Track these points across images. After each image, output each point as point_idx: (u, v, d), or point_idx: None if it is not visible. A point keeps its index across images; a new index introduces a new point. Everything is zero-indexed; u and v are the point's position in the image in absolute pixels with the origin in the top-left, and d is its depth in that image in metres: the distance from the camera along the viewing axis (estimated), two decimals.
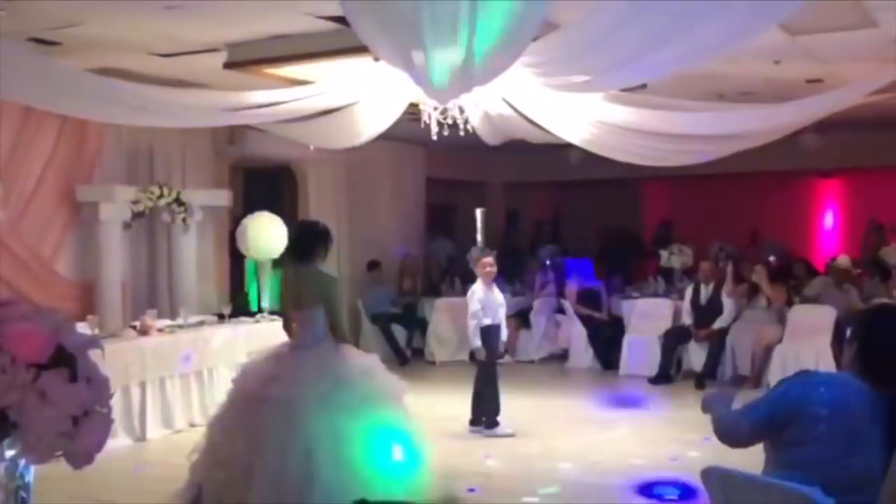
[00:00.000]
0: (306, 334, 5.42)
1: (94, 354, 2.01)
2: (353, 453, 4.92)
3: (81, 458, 1.92)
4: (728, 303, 10.30)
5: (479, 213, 16.92)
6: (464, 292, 12.31)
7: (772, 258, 12.00)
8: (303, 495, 4.75)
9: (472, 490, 5.78)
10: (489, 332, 7.79)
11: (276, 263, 9.28)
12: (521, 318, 11.93)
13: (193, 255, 9.66)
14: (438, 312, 12.27)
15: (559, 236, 15.96)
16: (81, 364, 1.91)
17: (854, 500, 2.84)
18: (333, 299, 5.44)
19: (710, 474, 3.12)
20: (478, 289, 7.85)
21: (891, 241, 12.31)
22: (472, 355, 8.07)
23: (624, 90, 7.01)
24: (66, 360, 1.88)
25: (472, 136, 8.07)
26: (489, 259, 7.91)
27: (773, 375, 9.16)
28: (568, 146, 8.48)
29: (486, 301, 7.81)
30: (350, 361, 5.42)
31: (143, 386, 7.66)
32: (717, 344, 10.18)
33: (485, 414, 7.82)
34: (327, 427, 4.98)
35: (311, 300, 5.41)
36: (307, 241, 5.61)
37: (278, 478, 4.84)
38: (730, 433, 3.17)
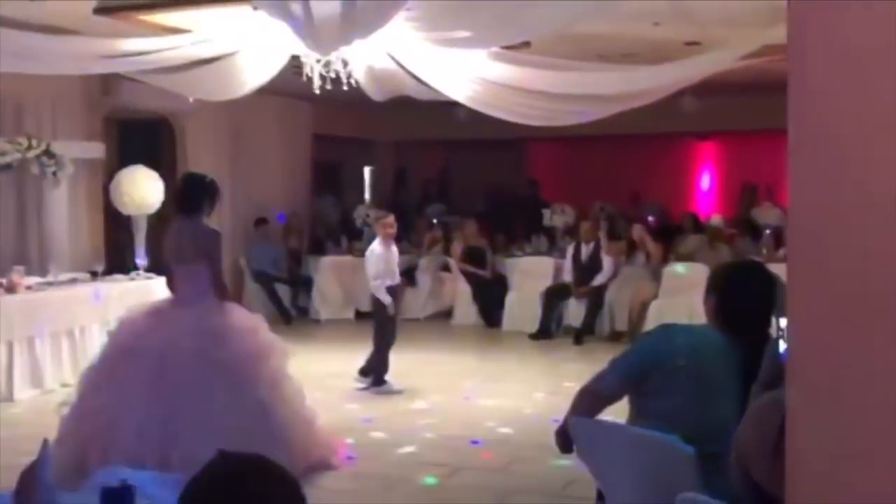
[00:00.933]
0: (187, 289, 5.31)
1: None
2: (221, 410, 4.85)
3: None
4: (607, 261, 10.55)
5: (367, 170, 16.80)
6: (350, 251, 12.34)
7: (651, 218, 12.33)
8: (165, 449, 4.67)
9: (350, 458, 5.78)
10: (391, 292, 7.84)
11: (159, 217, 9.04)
12: (407, 275, 11.94)
13: (64, 209, 9.26)
14: (323, 271, 12.18)
15: (447, 195, 16.00)
16: None
17: (712, 448, 2.93)
18: (216, 255, 5.34)
19: (576, 425, 3.19)
20: (377, 249, 7.82)
21: (763, 202, 12.79)
22: (372, 314, 8.08)
23: (507, 48, 7.01)
24: None
25: (360, 93, 7.96)
26: (391, 219, 7.94)
27: None
28: (456, 104, 8.45)
29: (387, 261, 7.82)
30: (230, 318, 5.33)
31: (10, 345, 7.38)
32: (595, 300, 10.43)
33: (375, 371, 7.82)
34: (198, 383, 4.89)
35: (193, 255, 5.29)
36: (193, 195, 5.47)
37: (142, 431, 4.74)
38: (597, 389, 3.22)
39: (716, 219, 11.30)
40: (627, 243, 10.84)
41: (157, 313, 5.30)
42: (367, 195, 16.27)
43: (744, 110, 12.83)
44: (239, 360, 5.08)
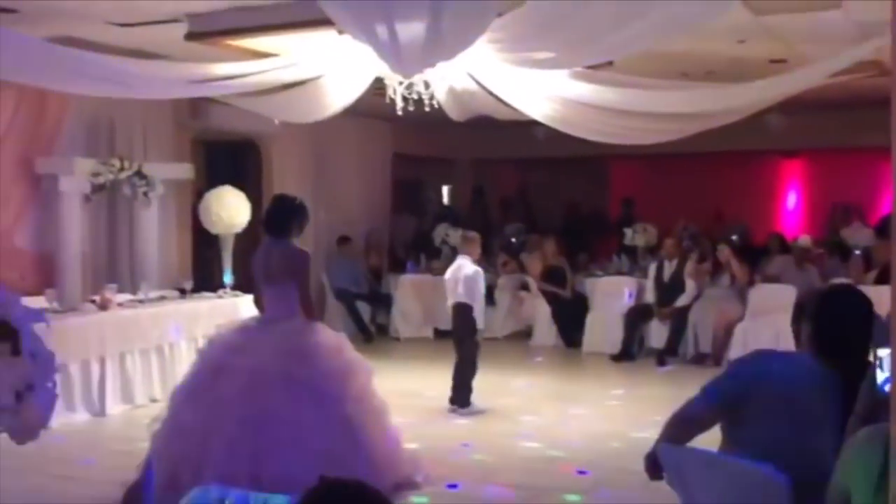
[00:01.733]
0: (276, 308, 5.41)
1: (39, 328, 1.97)
2: (308, 428, 4.92)
3: (25, 433, 1.89)
4: (690, 281, 10.38)
5: (445, 189, 16.89)
6: (428, 269, 12.40)
7: (734, 237, 12.10)
8: (256, 467, 4.74)
9: (453, 486, 5.76)
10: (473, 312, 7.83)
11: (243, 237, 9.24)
12: (485, 294, 11.93)
13: (155, 228, 9.54)
14: (403, 289, 12.25)
15: (527, 213, 15.95)
16: (25, 338, 1.87)
17: (806, 478, 2.86)
18: (304, 275, 5.43)
19: (666, 452, 3.14)
20: (476, 266, 7.83)
21: (852, 222, 12.43)
22: (460, 335, 7.96)
23: (589, 67, 6.99)
24: (8, 334, 1.84)
25: (439, 112, 8.03)
26: (479, 238, 8.02)
27: (734, 354, 9.23)
28: (535, 123, 8.45)
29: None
30: (317, 338, 5.41)
31: (102, 361, 7.60)
32: (678, 322, 10.26)
33: (464, 392, 7.81)
34: (286, 401, 4.97)
35: (282, 275, 5.39)
36: (283, 216, 5.59)
37: (234, 449, 4.82)
38: (689, 416, 3.17)
39: (804, 239, 11.03)
40: (712, 264, 10.64)
41: (246, 332, 5.40)
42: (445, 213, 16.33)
43: (831, 127, 12.53)
44: (325, 378, 5.15)
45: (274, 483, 4.34)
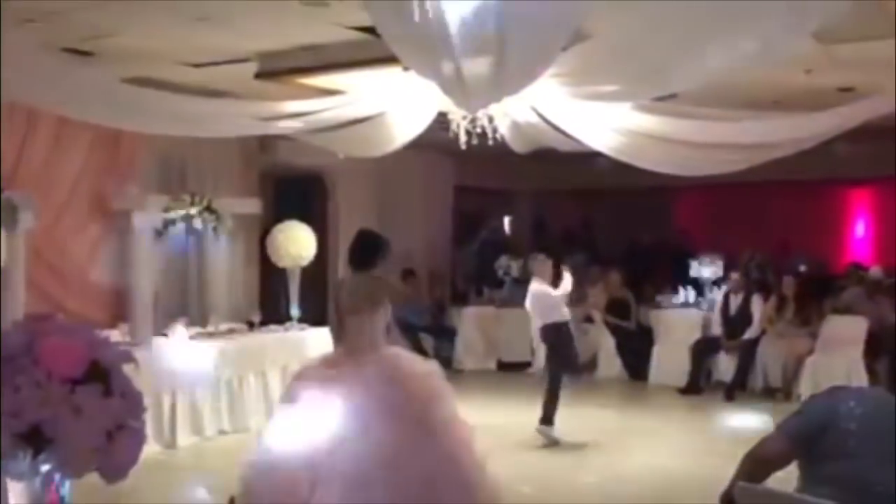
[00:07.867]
0: (363, 339, 5.47)
1: (127, 369, 2.04)
2: (410, 455, 4.96)
3: (115, 472, 1.94)
4: (757, 314, 10.20)
5: (506, 221, 16.90)
6: (490, 300, 12.41)
7: (802, 268, 11.87)
8: (369, 494, 4.79)
9: None
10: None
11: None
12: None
13: (224, 263, 9.71)
14: (466, 320, 12.27)
15: (590, 245, 15.85)
16: (115, 379, 1.94)
17: None
18: (386, 304, 5.53)
19: (743, 492, 3.09)
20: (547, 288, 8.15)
21: None
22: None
23: (653, 99, 6.98)
24: (100, 375, 1.90)
25: (501, 145, 8.07)
26: None
27: (805, 387, 9.07)
28: (597, 154, 8.44)
29: None
30: (407, 364, 5.46)
31: (173, 393, 7.72)
32: (747, 355, 10.09)
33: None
34: (387, 430, 5.02)
35: (368, 305, 5.47)
36: (368, 249, 5.70)
37: (348, 479, 4.87)
38: (764, 454, 3.12)
39: (875, 270, 10.77)
40: (778, 297, 10.44)
41: (335, 363, 5.47)
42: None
43: None
44: (421, 403, 5.20)
45: None
